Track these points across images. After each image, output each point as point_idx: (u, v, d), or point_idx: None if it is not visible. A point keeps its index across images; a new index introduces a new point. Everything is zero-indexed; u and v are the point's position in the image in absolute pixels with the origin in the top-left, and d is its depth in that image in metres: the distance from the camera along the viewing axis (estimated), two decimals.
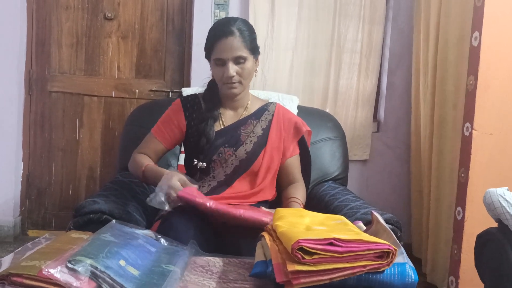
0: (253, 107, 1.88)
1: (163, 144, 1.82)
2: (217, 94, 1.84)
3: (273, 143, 1.84)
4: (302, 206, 1.80)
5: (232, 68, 1.70)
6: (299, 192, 1.87)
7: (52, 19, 3.21)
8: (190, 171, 1.85)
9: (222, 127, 1.82)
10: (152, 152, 1.81)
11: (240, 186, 1.81)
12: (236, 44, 1.69)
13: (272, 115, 1.87)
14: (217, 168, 1.79)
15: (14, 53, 3.12)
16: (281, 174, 1.90)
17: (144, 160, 1.76)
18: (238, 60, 1.70)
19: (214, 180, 1.80)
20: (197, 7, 3.11)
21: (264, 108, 1.88)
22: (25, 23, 3.17)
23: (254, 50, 1.76)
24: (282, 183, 1.92)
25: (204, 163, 1.78)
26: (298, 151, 1.92)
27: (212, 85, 1.86)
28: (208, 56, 1.78)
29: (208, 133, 1.77)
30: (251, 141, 1.82)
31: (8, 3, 3.08)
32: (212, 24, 3.07)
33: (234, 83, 1.73)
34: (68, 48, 3.23)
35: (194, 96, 1.87)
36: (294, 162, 1.90)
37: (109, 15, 3.20)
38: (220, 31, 1.71)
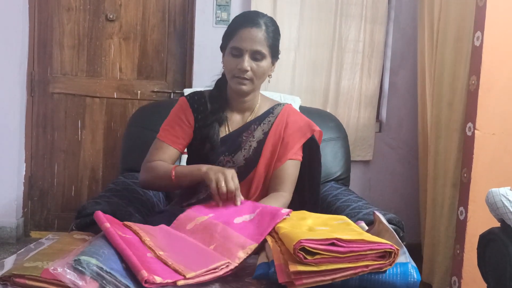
0: (260, 111, 1.72)
1: (176, 148, 1.65)
2: (225, 95, 1.70)
3: (269, 147, 1.68)
4: None
5: (248, 62, 1.56)
6: (270, 202, 1.57)
7: (54, 21, 3.21)
8: None
9: (227, 133, 1.68)
10: (168, 160, 1.63)
11: None
12: (259, 37, 1.56)
13: (276, 117, 1.71)
14: None
15: (16, 55, 3.13)
16: (271, 178, 1.69)
17: (167, 165, 1.59)
18: (256, 56, 1.57)
19: None
20: (199, 8, 3.11)
21: (270, 111, 1.72)
22: (27, 25, 3.17)
23: (274, 52, 1.63)
24: (268, 187, 1.70)
25: None
26: (300, 158, 1.72)
27: (220, 84, 1.72)
28: (224, 44, 1.63)
29: (213, 138, 1.64)
30: (250, 146, 1.67)
31: (10, 4, 3.09)
32: (214, 24, 3.12)
33: (246, 79, 1.58)
34: (70, 49, 3.24)
35: (200, 94, 1.72)
36: (288, 167, 1.68)
37: (111, 16, 3.21)
38: (247, 19, 1.59)
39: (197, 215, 1.37)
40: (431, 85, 2.86)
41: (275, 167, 1.69)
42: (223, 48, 1.65)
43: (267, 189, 1.70)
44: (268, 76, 1.67)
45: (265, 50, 1.58)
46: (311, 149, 1.74)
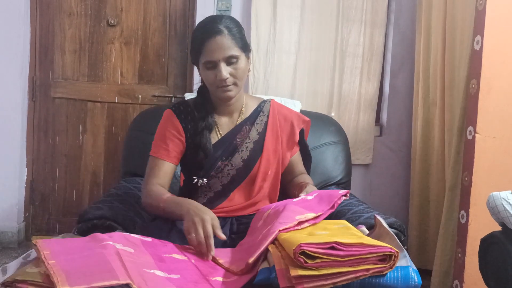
0: (248, 111, 1.75)
1: (171, 162, 1.66)
2: (209, 100, 1.72)
3: (269, 147, 1.73)
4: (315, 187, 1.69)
5: (225, 70, 1.57)
6: (308, 178, 1.78)
7: (55, 26, 3.22)
8: (188, 187, 1.74)
9: (219, 138, 1.71)
10: (164, 177, 1.64)
11: (238, 197, 1.71)
12: (226, 43, 1.57)
13: (267, 116, 1.76)
14: (213, 179, 1.69)
15: (18, 60, 3.13)
16: (285, 173, 1.79)
17: (162, 191, 1.60)
18: (230, 60, 1.58)
19: (211, 191, 1.70)
20: (199, 13, 3.12)
21: (258, 110, 1.76)
22: (29, 30, 3.18)
23: (245, 47, 1.64)
24: (287, 179, 1.80)
25: (205, 179, 1.68)
26: (298, 149, 1.84)
27: (203, 91, 1.73)
28: (195, 60, 1.65)
29: (205, 145, 1.65)
30: (247, 147, 1.71)
31: (12, 9, 3.09)
32: None
33: (229, 85, 1.60)
34: (71, 54, 3.25)
35: (184, 104, 1.74)
36: (296, 159, 1.82)
37: (112, 21, 3.22)
38: (207, 31, 1.58)
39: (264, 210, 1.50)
40: (424, 88, 2.87)
41: (283, 166, 1.78)
42: (194, 63, 1.68)
43: (272, 187, 1.76)
44: (248, 71, 1.69)
45: (237, 52, 1.59)
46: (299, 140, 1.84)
